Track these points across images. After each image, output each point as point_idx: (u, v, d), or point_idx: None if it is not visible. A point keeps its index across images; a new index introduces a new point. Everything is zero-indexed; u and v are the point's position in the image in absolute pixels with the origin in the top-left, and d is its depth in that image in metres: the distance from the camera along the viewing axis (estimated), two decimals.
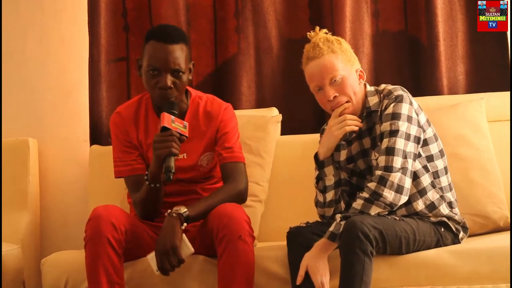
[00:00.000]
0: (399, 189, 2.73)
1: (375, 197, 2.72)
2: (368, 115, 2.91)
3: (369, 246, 2.62)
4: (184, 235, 2.82)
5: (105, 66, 3.82)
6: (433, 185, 2.89)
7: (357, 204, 2.74)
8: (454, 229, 2.90)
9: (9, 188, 3.76)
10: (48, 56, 4.00)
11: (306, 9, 3.77)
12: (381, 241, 2.67)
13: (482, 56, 3.66)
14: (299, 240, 2.83)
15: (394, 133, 2.78)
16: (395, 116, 2.79)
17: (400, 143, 2.77)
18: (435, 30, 3.62)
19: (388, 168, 2.74)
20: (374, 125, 2.90)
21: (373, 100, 2.90)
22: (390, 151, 2.76)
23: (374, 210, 2.73)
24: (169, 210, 2.84)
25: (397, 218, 2.78)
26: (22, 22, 4.01)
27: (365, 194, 2.74)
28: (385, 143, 2.79)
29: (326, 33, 2.93)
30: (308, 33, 2.95)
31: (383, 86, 2.93)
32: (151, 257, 2.80)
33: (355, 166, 2.96)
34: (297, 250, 2.79)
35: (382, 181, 2.73)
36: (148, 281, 2.90)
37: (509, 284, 2.73)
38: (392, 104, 2.82)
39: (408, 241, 2.77)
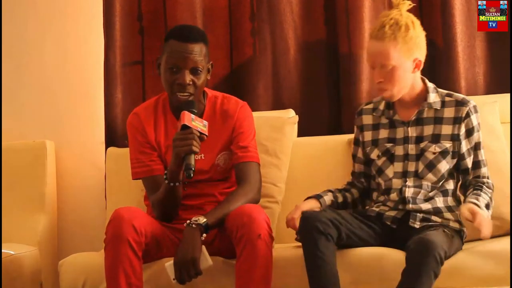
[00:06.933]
0: None
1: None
2: (422, 108, 2.97)
3: (439, 269, 2.64)
4: (204, 247, 2.81)
5: (121, 69, 3.83)
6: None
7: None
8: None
9: (27, 190, 3.78)
10: (65, 59, 4.02)
11: (321, 10, 3.76)
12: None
13: (501, 56, 3.63)
14: (315, 224, 2.73)
15: (480, 144, 2.98)
16: (479, 127, 2.97)
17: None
18: (452, 31, 3.60)
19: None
20: (423, 119, 2.96)
21: (434, 98, 2.97)
22: (485, 162, 2.99)
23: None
24: (188, 221, 2.83)
25: (449, 233, 2.83)
26: (41, 25, 4.03)
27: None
28: (481, 154, 2.97)
29: (411, 6, 2.99)
30: None
31: (445, 91, 3.01)
32: (169, 265, 2.80)
33: (392, 148, 2.99)
34: (312, 238, 2.72)
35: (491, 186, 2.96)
36: (166, 282, 2.88)
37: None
38: (477, 114, 2.96)
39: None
